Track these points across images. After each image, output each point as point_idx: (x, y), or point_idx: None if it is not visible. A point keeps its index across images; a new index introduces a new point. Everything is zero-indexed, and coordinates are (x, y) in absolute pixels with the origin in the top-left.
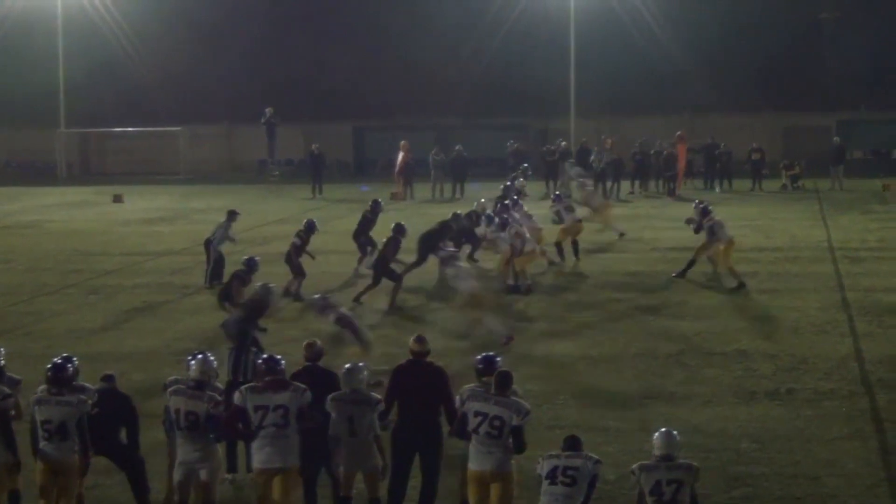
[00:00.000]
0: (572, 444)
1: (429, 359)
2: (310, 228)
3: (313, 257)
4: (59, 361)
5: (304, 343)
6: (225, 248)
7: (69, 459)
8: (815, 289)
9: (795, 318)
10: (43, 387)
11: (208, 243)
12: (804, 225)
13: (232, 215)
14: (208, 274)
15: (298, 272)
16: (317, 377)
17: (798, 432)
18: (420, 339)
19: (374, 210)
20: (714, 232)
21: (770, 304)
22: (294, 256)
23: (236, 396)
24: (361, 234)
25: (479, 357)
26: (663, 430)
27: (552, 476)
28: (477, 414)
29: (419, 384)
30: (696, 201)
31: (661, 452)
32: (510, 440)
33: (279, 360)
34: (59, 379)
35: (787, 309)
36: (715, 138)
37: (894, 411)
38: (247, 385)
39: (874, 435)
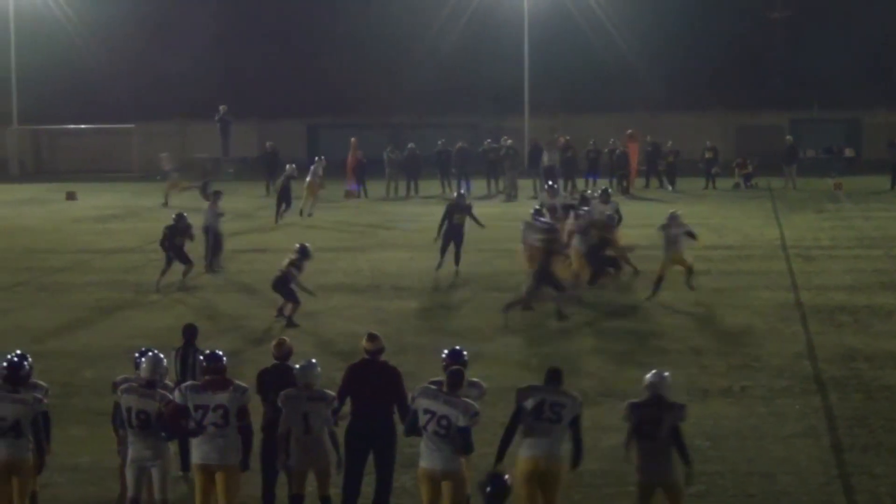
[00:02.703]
0: (555, 376)
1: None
2: (304, 254)
3: (313, 294)
4: (15, 359)
5: (274, 342)
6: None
7: (23, 458)
8: (767, 287)
9: (748, 317)
10: None
11: (206, 229)
12: (757, 224)
13: (217, 195)
14: (208, 259)
15: (292, 299)
16: (285, 376)
17: (752, 430)
18: (372, 338)
19: None
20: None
21: (723, 303)
22: (286, 284)
23: (177, 395)
24: None
25: (446, 351)
26: (655, 370)
27: (538, 411)
28: (426, 411)
29: (372, 382)
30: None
31: (651, 392)
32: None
33: (221, 357)
34: (15, 377)
35: (740, 307)
36: (662, 138)
37: (847, 409)
38: (187, 383)
39: (827, 432)
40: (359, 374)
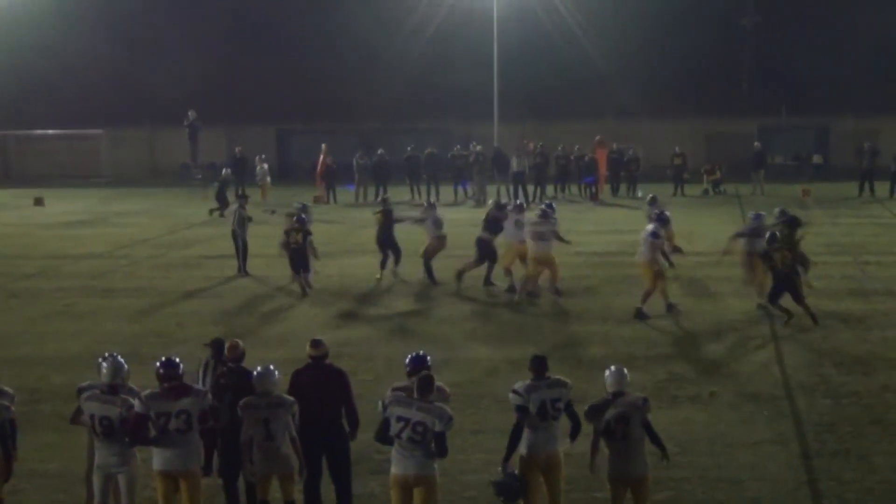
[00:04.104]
0: (542, 364)
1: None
2: (306, 212)
3: (317, 257)
4: None
5: (228, 344)
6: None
7: None
8: (736, 293)
9: (717, 323)
10: None
11: (235, 235)
12: (726, 230)
13: (243, 199)
14: (241, 262)
15: (306, 268)
16: (240, 377)
17: (720, 436)
18: (317, 343)
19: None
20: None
21: (692, 309)
22: (305, 253)
23: (137, 404)
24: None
25: (409, 357)
26: (613, 367)
27: (542, 413)
28: (399, 419)
29: (319, 386)
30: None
31: (612, 390)
32: (433, 444)
33: (178, 363)
34: None
35: (708, 314)
36: (631, 144)
37: (815, 415)
38: (147, 392)
39: (795, 438)
40: (303, 378)
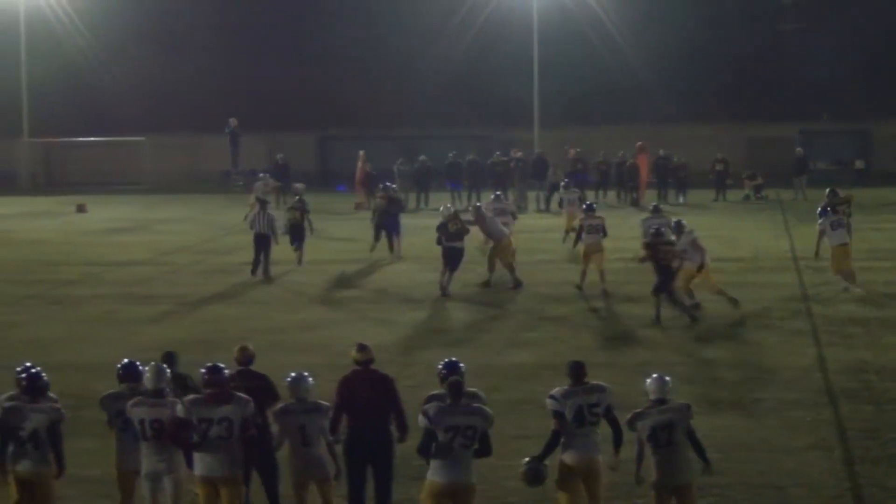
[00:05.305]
0: (581, 371)
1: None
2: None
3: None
4: (33, 370)
5: (237, 347)
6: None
7: (43, 470)
8: (778, 299)
9: (759, 329)
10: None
11: (263, 239)
12: (767, 235)
13: (263, 205)
14: (265, 265)
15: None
16: (251, 381)
17: (763, 442)
18: (362, 348)
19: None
20: (686, 251)
21: (733, 315)
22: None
23: (180, 409)
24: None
25: (442, 363)
26: (655, 374)
27: (579, 419)
28: (449, 429)
29: (366, 393)
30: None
31: (654, 397)
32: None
33: (223, 370)
34: (34, 388)
35: (750, 319)
36: (672, 150)
37: (858, 421)
38: (190, 397)
39: (838, 445)
40: (351, 384)
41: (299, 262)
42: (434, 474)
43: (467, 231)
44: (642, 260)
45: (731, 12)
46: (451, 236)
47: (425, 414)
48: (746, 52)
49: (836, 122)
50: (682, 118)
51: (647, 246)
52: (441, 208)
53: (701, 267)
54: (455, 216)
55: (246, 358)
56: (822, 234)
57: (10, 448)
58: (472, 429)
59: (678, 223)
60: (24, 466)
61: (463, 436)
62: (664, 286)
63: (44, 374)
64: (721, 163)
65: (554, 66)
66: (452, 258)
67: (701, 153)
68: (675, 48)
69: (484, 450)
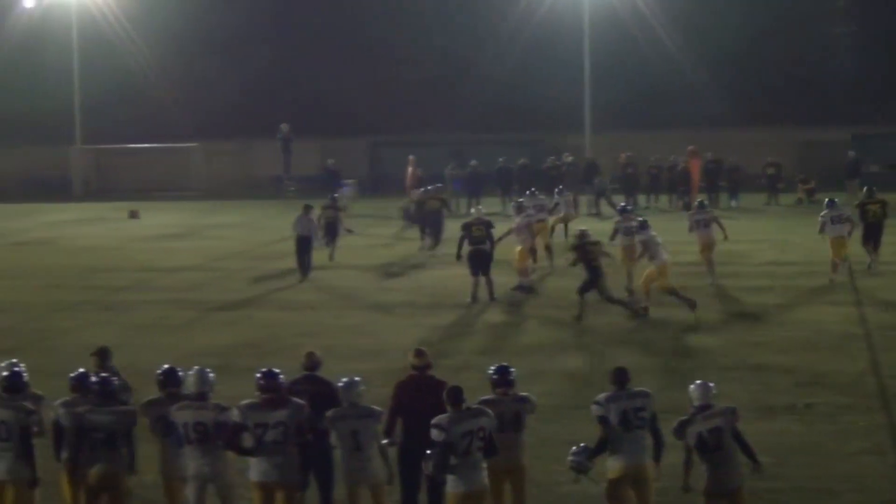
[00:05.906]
0: (624, 376)
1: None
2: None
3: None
4: (105, 373)
5: (305, 352)
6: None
7: (118, 472)
8: (831, 303)
9: (812, 333)
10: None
11: (308, 241)
12: (820, 239)
13: (309, 209)
14: (307, 267)
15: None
16: (315, 386)
17: (816, 447)
18: (420, 353)
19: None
20: (648, 249)
21: (786, 319)
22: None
23: (235, 413)
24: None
25: (494, 367)
26: (699, 381)
27: (625, 423)
28: (464, 435)
29: (423, 398)
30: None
31: (698, 403)
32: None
33: (278, 375)
34: (106, 390)
35: (803, 323)
36: (723, 153)
37: None
38: (245, 402)
39: (892, 450)
40: (408, 390)
41: (331, 257)
42: (456, 486)
43: (491, 238)
44: (573, 263)
45: (784, 15)
46: (475, 239)
47: (439, 426)
48: (799, 55)
49: (890, 125)
50: (734, 122)
51: (575, 248)
52: (472, 210)
53: (662, 267)
54: (480, 222)
55: (312, 363)
56: (822, 225)
57: (82, 451)
58: (483, 430)
59: (643, 222)
60: (98, 467)
61: (478, 438)
62: (592, 285)
63: (114, 379)
64: (773, 166)
65: (605, 70)
66: (477, 261)
67: (752, 157)
68: (726, 51)
69: (492, 449)
